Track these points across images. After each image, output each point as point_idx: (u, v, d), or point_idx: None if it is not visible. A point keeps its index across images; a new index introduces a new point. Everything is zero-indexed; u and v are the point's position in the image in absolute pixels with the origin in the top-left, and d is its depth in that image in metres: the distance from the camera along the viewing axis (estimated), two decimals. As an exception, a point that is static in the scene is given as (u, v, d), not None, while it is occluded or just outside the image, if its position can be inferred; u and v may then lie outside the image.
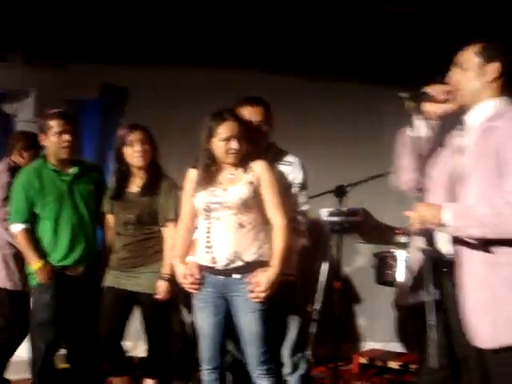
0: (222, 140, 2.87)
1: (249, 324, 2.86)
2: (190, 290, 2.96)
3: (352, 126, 5.25)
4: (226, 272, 2.86)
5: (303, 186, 3.19)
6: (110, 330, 3.42)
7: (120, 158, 3.44)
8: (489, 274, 2.15)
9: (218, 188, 2.90)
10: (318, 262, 4.14)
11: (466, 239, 2.16)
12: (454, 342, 2.26)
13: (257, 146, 3.03)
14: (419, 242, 2.31)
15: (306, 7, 4.22)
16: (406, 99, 2.35)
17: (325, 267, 4.11)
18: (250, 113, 3.09)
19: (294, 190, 3.15)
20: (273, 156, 3.14)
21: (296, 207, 3.14)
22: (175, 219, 3.26)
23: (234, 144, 2.87)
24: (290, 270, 3.02)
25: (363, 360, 4.76)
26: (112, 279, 3.44)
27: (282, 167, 3.15)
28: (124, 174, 3.46)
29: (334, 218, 4.25)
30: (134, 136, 3.38)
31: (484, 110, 2.27)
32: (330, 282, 4.05)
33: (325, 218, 4.32)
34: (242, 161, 2.92)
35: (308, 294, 3.97)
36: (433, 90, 2.37)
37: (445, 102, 2.38)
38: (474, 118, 2.29)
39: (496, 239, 2.11)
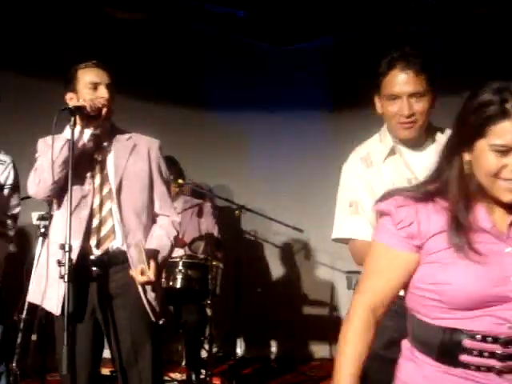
0: None
1: None
2: None
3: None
4: None
5: (15, 188, 3.01)
6: None
7: None
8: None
9: None
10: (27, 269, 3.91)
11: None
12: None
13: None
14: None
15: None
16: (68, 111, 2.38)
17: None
18: None
19: (6, 191, 2.95)
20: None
21: (6, 210, 2.94)
22: None
23: None
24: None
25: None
26: None
27: (-7, 166, 2.92)
28: None
29: (44, 222, 4.06)
30: None
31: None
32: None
33: (35, 222, 4.11)
34: None
35: (16, 301, 3.72)
36: (88, 104, 2.42)
37: (97, 116, 2.47)
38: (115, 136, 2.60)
39: None
